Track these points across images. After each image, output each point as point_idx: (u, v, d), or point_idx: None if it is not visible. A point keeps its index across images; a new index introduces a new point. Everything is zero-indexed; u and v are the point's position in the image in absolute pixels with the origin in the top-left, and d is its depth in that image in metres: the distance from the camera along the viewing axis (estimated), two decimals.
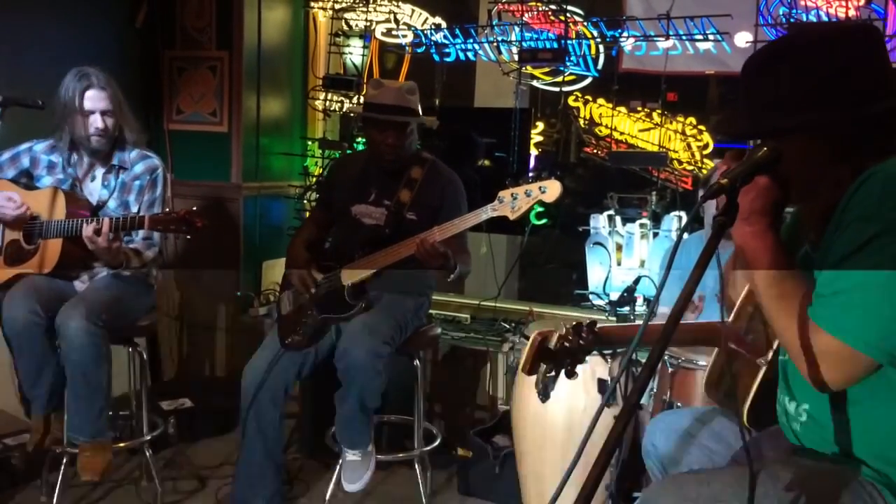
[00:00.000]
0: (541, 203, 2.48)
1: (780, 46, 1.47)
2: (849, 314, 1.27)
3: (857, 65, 1.35)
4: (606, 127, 3.99)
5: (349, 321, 2.70)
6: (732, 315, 1.66)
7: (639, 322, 2.72)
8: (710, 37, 3.39)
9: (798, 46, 1.40)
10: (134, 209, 2.91)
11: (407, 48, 4.16)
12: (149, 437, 3.02)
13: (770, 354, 1.55)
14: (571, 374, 1.65)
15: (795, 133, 1.38)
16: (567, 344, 1.60)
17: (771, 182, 1.40)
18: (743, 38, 3.38)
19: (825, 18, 3.21)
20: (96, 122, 2.82)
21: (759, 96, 1.42)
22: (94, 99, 2.81)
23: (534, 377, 2.73)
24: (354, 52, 4.32)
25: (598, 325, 1.65)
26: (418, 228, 2.65)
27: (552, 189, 2.45)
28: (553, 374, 1.64)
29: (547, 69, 3.98)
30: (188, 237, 2.70)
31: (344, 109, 4.28)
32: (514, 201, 2.47)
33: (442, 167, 2.97)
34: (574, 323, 1.65)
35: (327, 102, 4.26)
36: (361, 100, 3.82)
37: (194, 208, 2.66)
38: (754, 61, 1.44)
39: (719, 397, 1.70)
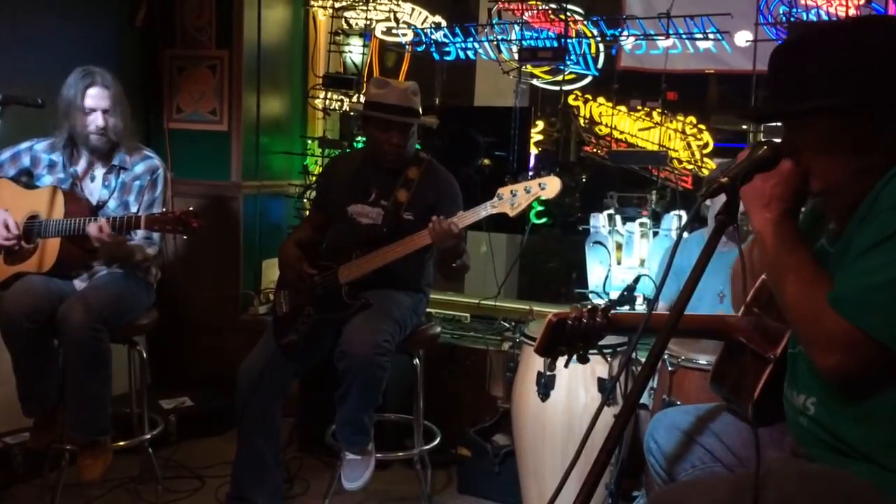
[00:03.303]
0: (540, 201, 2.48)
1: (806, 34, 1.47)
2: (870, 302, 1.26)
3: (881, 54, 1.35)
4: (606, 126, 3.99)
5: (348, 320, 2.70)
6: (742, 309, 1.66)
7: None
8: (711, 36, 3.39)
9: (823, 34, 1.41)
10: (133, 209, 2.91)
11: (407, 47, 4.16)
12: (149, 436, 3.03)
13: (779, 350, 1.55)
14: (584, 359, 1.66)
15: (814, 116, 1.38)
16: (583, 324, 1.61)
17: (793, 169, 1.40)
18: (743, 38, 3.38)
19: (825, 17, 3.21)
20: (97, 119, 2.83)
21: (783, 81, 1.43)
22: (96, 97, 2.83)
23: (534, 376, 2.74)
24: (354, 51, 4.32)
25: (611, 312, 1.65)
26: (415, 228, 2.65)
27: (552, 185, 2.45)
28: (565, 357, 1.65)
29: (547, 68, 3.98)
30: (185, 237, 2.71)
31: (344, 108, 4.28)
32: (514, 198, 2.47)
33: (438, 167, 2.96)
34: (589, 305, 1.66)
35: (327, 101, 4.26)
36: (362, 98, 3.82)
37: (191, 208, 2.67)
38: (780, 48, 1.45)
39: (724, 393, 1.70)
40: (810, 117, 1.39)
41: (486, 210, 2.51)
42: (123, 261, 2.83)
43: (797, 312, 1.36)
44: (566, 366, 1.68)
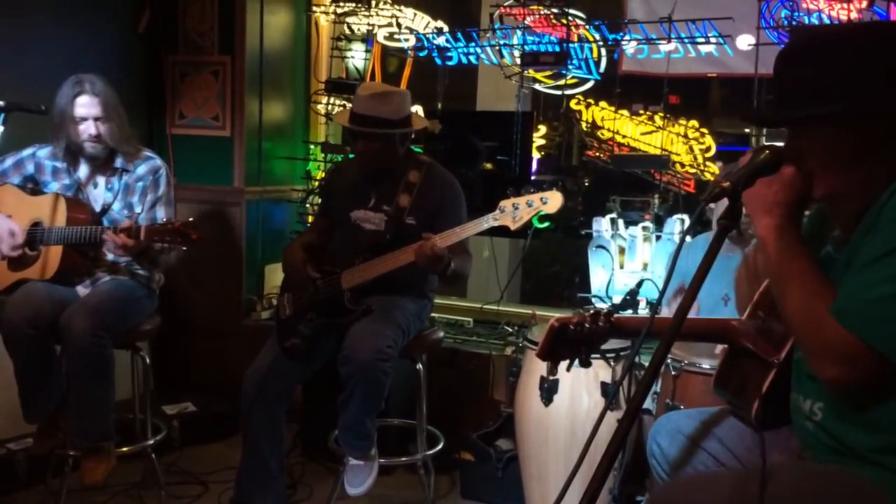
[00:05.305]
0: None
1: (810, 39, 1.47)
2: (874, 314, 1.26)
3: (887, 60, 1.34)
4: (609, 130, 3.98)
5: (350, 326, 2.70)
6: (746, 313, 1.66)
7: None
8: (712, 39, 3.39)
9: (827, 40, 1.41)
10: (137, 209, 2.93)
11: (409, 52, 4.17)
12: (152, 442, 3.03)
13: (783, 354, 1.54)
14: (586, 363, 1.66)
15: (820, 123, 1.38)
16: (585, 328, 1.61)
17: (796, 175, 1.40)
18: (745, 41, 3.38)
19: (827, 21, 3.21)
20: (89, 128, 2.83)
21: (787, 87, 1.42)
22: (86, 105, 2.82)
23: (537, 381, 2.74)
24: (357, 57, 4.32)
25: (614, 317, 1.65)
26: (417, 233, 2.65)
27: (553, 200, 2.46)
28: (567, 361, 1.65)
29: (549, 72, 3.98)
30: (184, 248, 2.70)
31: None
32: (516, 211, 2.48)
33: (439, 170, 2.96)
34: (592, 310, 1.65)
35: (329, 106, 4.27)
36: None
37: (191, 219, 2.67)
38: (784, 54, 1.44)
39: (727, 397, 1.70)
40: (816, 124, 1.39)
41: (487, 223, 2.52)
42: (151, 261, 2.85)
43: (799, 322, 1.36)
44: (568, 370, 1.67)
